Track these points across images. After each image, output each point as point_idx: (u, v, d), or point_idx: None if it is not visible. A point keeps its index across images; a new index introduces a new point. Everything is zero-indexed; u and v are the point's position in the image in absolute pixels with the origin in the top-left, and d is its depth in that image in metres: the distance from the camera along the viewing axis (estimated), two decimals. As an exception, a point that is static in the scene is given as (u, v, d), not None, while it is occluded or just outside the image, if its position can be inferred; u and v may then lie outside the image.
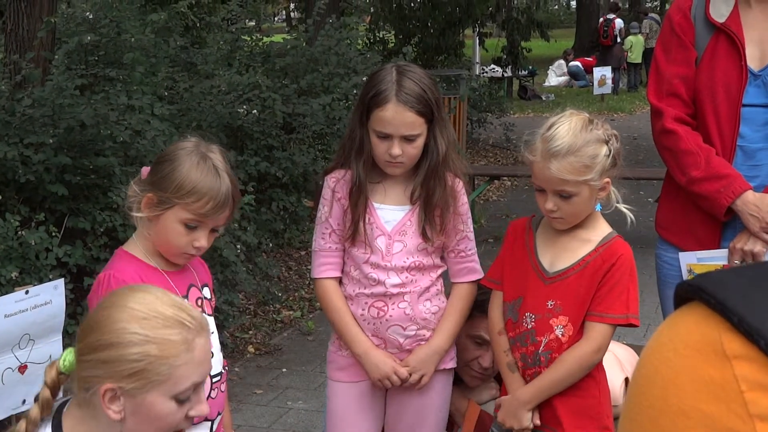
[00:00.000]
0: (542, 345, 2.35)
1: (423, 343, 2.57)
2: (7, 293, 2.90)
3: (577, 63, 20.75)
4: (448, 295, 2.65)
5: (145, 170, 2.31)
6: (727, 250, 2.66)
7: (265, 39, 9.02)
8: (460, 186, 2.58)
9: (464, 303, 2.63)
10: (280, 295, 6.10)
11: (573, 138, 2.26)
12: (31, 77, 5.03)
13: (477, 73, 14.84)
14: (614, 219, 2.43)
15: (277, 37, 9.56)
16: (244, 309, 5.92)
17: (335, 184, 2.55)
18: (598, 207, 2.41)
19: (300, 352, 5.37)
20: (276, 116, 6.60)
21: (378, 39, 13.08)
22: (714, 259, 2.68)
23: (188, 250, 2.25)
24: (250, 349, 5.41)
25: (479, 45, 15.82)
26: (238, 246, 5.15)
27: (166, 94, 6.59)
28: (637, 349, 3.36)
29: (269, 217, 6.35)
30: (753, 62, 2.63)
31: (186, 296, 2.31)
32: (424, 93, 2.44)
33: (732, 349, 0.62)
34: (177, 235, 2.22)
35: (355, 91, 6.99)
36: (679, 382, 0.63)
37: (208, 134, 5.76)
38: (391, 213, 2.54)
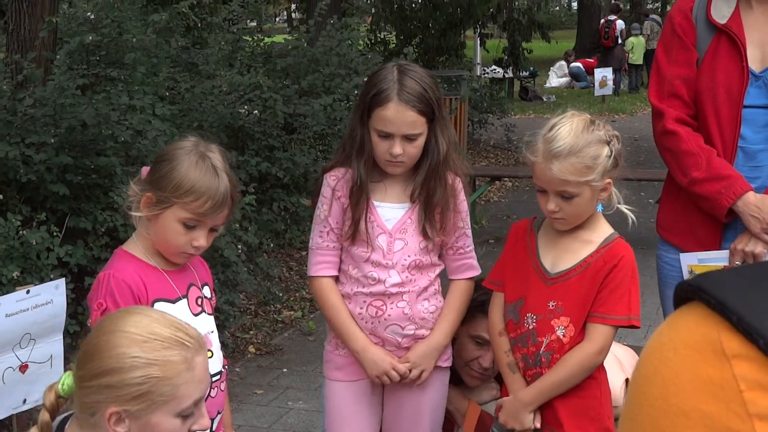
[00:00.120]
0: (543, 346, 2.35)
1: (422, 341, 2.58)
2: (8, 293, 2.90)
3: (578, 64, 20.75)
4: (445, 294, 2.65)
5: (145, 170, 2.31)
6: (728, 251, 2.66)
7: (267, 39, 9.03)
8: (459, 184, 2.58)
9: (462, 300, 2.63)
10: (281, 295, 6.10)
11: (574, 139, 2.26)
12: (32, 77, 5.03)
13: (478, 74, 14.84)
14: (615, 220, 2.43)
15: (279, 38, 9.57)
16: (245, 309, 5.92)
17: (336, 183, 2.55)
18: (599, 208, 2.41)
19: (301, 353, 5.37)
20: (277, 117, 6.60)
21: (379, 40, 13.08)
22: (715, 260, 2.67)
23: (187, 250, 2.25)
24: (251, 349, 5.41)
25: (480, 46, 15.82)
26: (239, 246, 5.15)
27: (167, 94, 6.60)
28: (638, 350, 3.36)
29: (270, 217, 6.35)
30: (754, 63, 2.63)
31: (186, 295, 2.31)
32: (426, 92, 2.44)
33: (731, 349, 0.62)
34: (176, 234, 2.22)
35: (356, 92, 7.00)
36: (678, 382, 0.63)
37: (209, 134, 5.78)
38: (391, 211, 2.54)
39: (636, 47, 19.32)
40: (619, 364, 3.05)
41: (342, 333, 2.56)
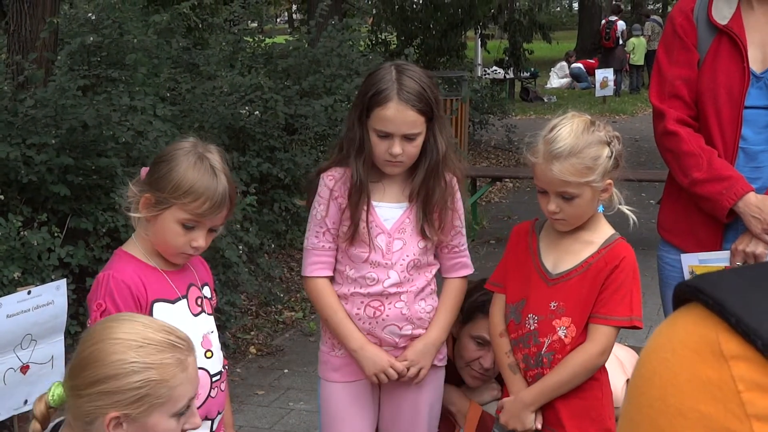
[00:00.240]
0: (545, 346, 2.35)
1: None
2: (9, 293, 2.90)
3: (579, 65, 20.75)
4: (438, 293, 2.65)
5: (144, 171, 2.32)
6: (729, 251, 2.66)
7: (268, 40, 9.03)
8: (455, 182, 2.58)
9: (457, 297, 2.63)
10: (281, 295, 6.10)
11: (575, 140, 2.26)
12: (33, 78, 5.03)
13: (479, 75, 14.86)
14: (616, 221, 2.43)
15: (280, 39, 9.58)
16: (246, 310, 5.92)
17: (334, 184, 2.54)
18: (600, 208, 2.41)
19: (302, 353, 5.37)
20: (278, 117, 6.60)
21: (380, 40, 13.08)
22: (716, 260, 2.67)
23: (186, 250, 2.25)
24: (252, 349, 5.41)
25: (481, 47, 15.82)
26: (240, 247, 5.15)
27: (168, 95, 6.60)
28: (640, 351, 3.35)
29: (271, 218, 6.35)
30: (755, 64, 2.63)
31: (185, 295, 2.31)
32: (424, 91, 2.44)
33: (729, 350, 0.62)
34: (174, 235, 2.22)
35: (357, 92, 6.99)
36: (677, 383, 0.64)
37: (210, 135, 5.79)
38: (390, 211, 2.54)
39: (637, 48, 19.32)
40: (621, 365, 3.05)
41: (339, 332, 2.55)
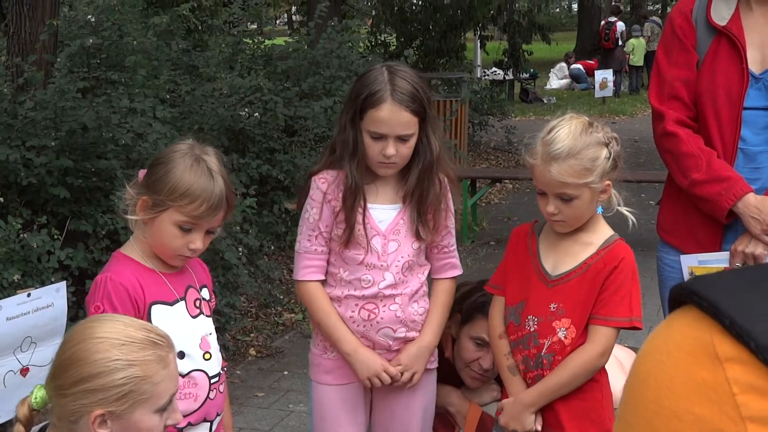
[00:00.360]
0: (545, 347, 2.35)
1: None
2: (8, 296, 2.90)
3: (579, 66, 20.76)
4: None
5: (143, 173, 2.32)
6: (728, 252, 2.66)
7: (267, 42, 9.03)
8: (446, 182, 2.58)
9: (447, 299, 2.63)
10: (281, 297, 6.10)
11: (573, 141, 2.26)
12: (33, 80, 5.03)
13: (478, 76, 14.86)
14: (616, 222, 2.43)
15: (279, 40, 9.58)
16: (246, 312, 5.92)
17: (327, 187, 2.52)
18: (599, 210, 2.41)
19: (301, 355, 5.36)
20: (277, 119, 6.60)
21: (379, 42, 13.08)
22: (715, 261, 2.68)
23: (184, 252, 2.25)
24: (252, 351, 5.41)
25: (481, 48, 15.82)
26: (240, 249, 5.15)
27: (167, 96, 6.60)
28: (639, 351, 3.35)
29: (271, 219, 6.35)
30: (754, 65, 2.63)
31: (183, 297, 2.31)
32: (417, 92, 2.44)
33: (724, 352, 0.62)
34: (172, 237, 2.22)
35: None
36: (672, 385, 0.64)
37: (209, 137, 5.79)
38: (384, 212, 2.53)
39: (636, 49, 19.32)
40: (621, 366, 3.05)
41: (332, 336, 2.54)
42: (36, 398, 1.84)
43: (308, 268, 2.56)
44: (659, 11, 29.04)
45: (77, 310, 4.21)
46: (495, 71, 16.79)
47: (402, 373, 2.54)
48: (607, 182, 2.32)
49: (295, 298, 6.35)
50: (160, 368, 1.79)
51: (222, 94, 6.69)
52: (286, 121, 6.72)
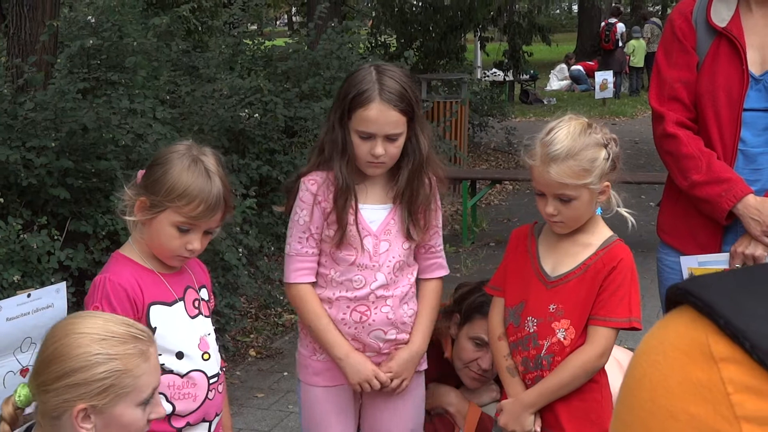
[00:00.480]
0: (544, 349, 2.36)
1: (400, 346, 2.57)
2: (9, 296, 2.90)
3: (579, 67, 20.76)
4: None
5: (141, 174, 2.32)
6: (728, 254, 2.66)
7: (267, 43, 9.04)
8: (435, 182, 2.58)
9: (435, 301, 2.63)
10: (281, 298, 6.10)
11: (572, 142, 2.27)
12: (33, 81, 5.04)
13: (478, 77, 14.85)
14: (615, 223, 2.43)
15: (279, 41, 9.58)
16: (246, 312, 5.92)
17: (317, 188, 2.51)
18: (598, 211, 2.41)
19: (301, 356, 5.36)
20: (278, 120, 6.61)
21: (380, 43, 13.08)
22: (715, 263, 2.68)
23: (182, 253, 2.25)
24: (252, 352, 5.41)
25: (481, 49, 15.82)
26: (240, 249, 5.15)
27: (167, 97, 6.60)
28: (639, 353, 3.35)
29: (271, 220, 6.35)
30: (754, 67, 2.64)
31: (182, 298, 2.31)
32: (406, 91, 2.43)
33: (719, 352, 0.63)
34: (170, 238, 2.22)
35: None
36: (667, 385, 0.64)
37: (209, 138, 5.79)
38: (374, 212, 2.53)
39: (637, 50, 19.32)
40: (620, 367, 3.05)
41: (323, 340, 2.53)
42: (20, 396, 1.86)
43: (299, 270, 2.54)
44: (659, 12, 29.04)
45: (77, 311, 4.21)
46: (495, 72, 16.79)
47: (392, 380, 2.54)
48: (606, 183, 2.32)
49: (295, 299, 6.35)
50: (141, 362, 1.81)
51: (222, 95, 6.69)
52: (286, 122, 6.73)
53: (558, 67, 21.31)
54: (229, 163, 6.00)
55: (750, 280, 0.67)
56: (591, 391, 2.38)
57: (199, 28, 9.93)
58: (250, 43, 8.61)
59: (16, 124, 4.70)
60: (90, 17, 7.32)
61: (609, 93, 16.23)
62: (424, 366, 2.67)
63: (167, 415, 2.24)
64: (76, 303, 4.15)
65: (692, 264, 2.71)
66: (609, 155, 2.30)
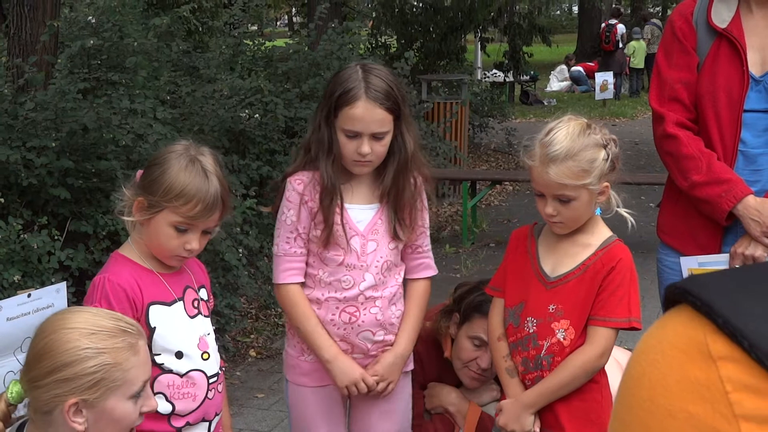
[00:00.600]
0: (544, 349, 2.36)
1: (387, 348, 2.56)
2: (9, 296, 2.91)
3: (579, 68, 20.76)
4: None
5: (140, 174, 2.32)
6: (728, 254, 2.66)
7: (268, 43, 9.04)
8: (420, 181, 2.57)
9: (423, 303, 2.62)
10: (281, 299, 6.09)
11: (571, 143, 2.27)
12: (33, 81, 5.04)
13: (479, 78, 14.85)
14: (615, 224, 2.43)
15: (280, 42, 9.58)
16: (246, 313, 5.92)
17: (303, 188, 2.50)
18: (598, 211, 2.41)
19: (301, 356, 5.36)
20: (278, 120, 6.61)
21: (380, 44, 13.09)
22: (715, 263, 2.68)
23: (180, 253, 2.26)
24: (252, 353, 5.41)
25: (481, 50, 15.82)
26: (240, 250, 5.15)
27: (168, 98, 6.61)
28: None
29: (271, 221, 6.34)
30: (754, 68, 2.64)
31: (182, 298, 2.31)
32: (392, 89, 2.43)
33: (717, 351, 0.63)
34: (168, 238, 2.23)
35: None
36: (666, 384, 0.64)
37: (210, 138, 5.80)
38: (362, 212, 2.52)
39: (637, 51, 19.33)
40: (620, 368, 3.06)
41: (311, 341, 2.51)
42: (12, 393, 1.86)
43: (288, 270, 2.53)
44: (660, 14, 29.04)
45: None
46: (495, 73, 16.78)
47: (378, 383, 2.53)
48: (606, 184, 2.32)
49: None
50: (130, 355, 1.82)
51: (222, 96, 6.70)
52: (286, 123, 6.73)
53: (558, 68, 21.31)
54: (230, 163, 6.00)
55: (748, 279, 0.68)
56: (591, 392, 2.38)
57: (200, 29, 9.94)
58: (251, 43, 8.61)
59: (16, 124, 4.71)
60: (90, 17, 7.33)
61: (609, 94, 16.24)
62: (411, 367, 2.67)
63: (167, 414, 2.24)
64: (77, 303, 4.15)
65: (692, 265, 2.71)
66: (608, 156, 2.30)
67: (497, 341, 2.46)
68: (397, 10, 13.21)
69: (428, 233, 2.64)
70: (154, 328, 2.23)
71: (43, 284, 3.81)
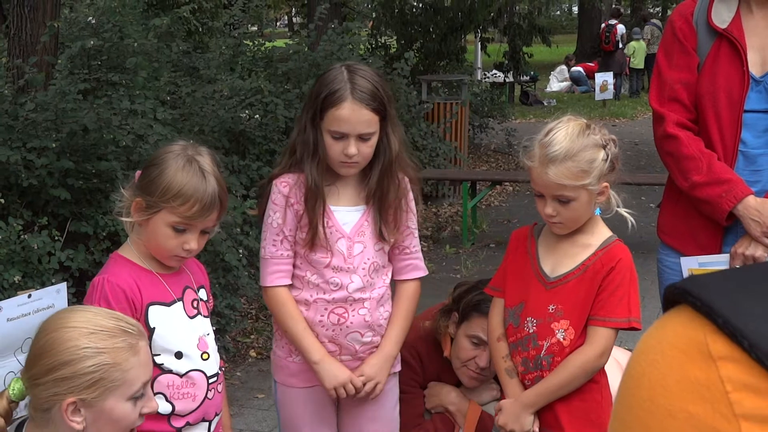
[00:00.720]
0: (544, 349, 2.36)
1: (375, 350, 2.56)
2: (9, 297, 2.91)
3: (579, 68, 20.76)
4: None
5: (138, 174, 2.32)
6: (728, 255, 2.66)
7: (268, 44, 9.05)
8: (407, 182, 2.57)
9: (410, 304, 2.61)
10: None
11: (570, 143, 2.27)
12: (34, 81, 5.04)
13: (479, 79, 14.85)
14: (615, 224, 2.44)
15: (280, 42, 9.59)
16: (246, 313, 5.92)
17: (288, 190, 2.49)
18: (597, 211, 2.42)
19: (301, 357, 5.36)
20: (278, 121, 6.61)
21: (380, 44, 13.08)
22: (716, 263, 2.68)
23: (179, 253, 2.26)
24: (252, 353, 5.41)
25: (481, 50, 15.82)
26: (240, 251, 5.15)
27: (168, 98, 6.61)
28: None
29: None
30: (755, 68, 2.64)
31: (181, 298, 2.32)
32: (377, 90, 2.42)
33: (717, 351, 0.63)
34: (166, 238, 2.23)
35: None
36: (666, 384, 0.64)
37: (210, 139, 5.80)
38: (348, 214, 2.51)
39: (637, 52, 19.33)
40: (620, 368, 3.06)
41: (299, 344, 2.51)
42: (13, 390, 1.87)
43: (275, 273, 2.52)
44: (659, 14, 29.03)
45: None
46: (495, 74, 16.78)
47: (365, 384, 2.53)
48: (605, 184, 2.32)
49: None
50: (129, 355, 1.82)
51: (222, 96, 6.70)
52: (286, 123, 6.73)
53: (558, 69, 21.31)
54: (230, 164, 6.00)
55: (748, 279, 0.68)
56: (591, 392, 2.38)
57: (200, 29, 9.94)
58: (251, 44, 8.62)
59: (16, 124, 4.71)
60: (91, 18, 7.33)
61: (609, 94, 16.23)
62: (398, 368, 2.67)
63: (167, 414, 2.24)
64: (77, 303, 4.15)
65: (692, 265, 2.71)
66: (607, 156, 2.30)
67: (497, 341, 2.47)
68: (397, 10, 13.21)
69: (416, 234, 2.63)
70: (154, 328, 2.23)
71: (43, 285, 3.81)
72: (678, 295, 0.67)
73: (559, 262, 2.40)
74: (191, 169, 2.21)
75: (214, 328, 2.45)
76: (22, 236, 4.14)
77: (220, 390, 2.37)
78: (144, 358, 1.86)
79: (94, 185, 4.77)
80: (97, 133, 4.77)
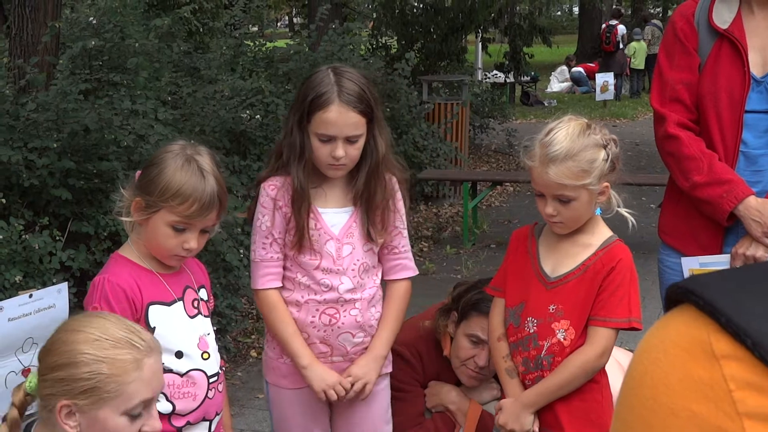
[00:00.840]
0: (544, 349, 2.36)
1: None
2: (10, 297, 2.91)
3: (580, 69, 20.76)
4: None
5: (138, 174, 2.33)
6: (729, 255, 2.67)
7: (268, 44, 9.05)
8: (395, 183, 2.57)
9: (400, 304, 2.61)
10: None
11: (570, 143, 2.27)
12: (35, 82, 5.04)
13: (479, 79, 14.85)
14: (616, 224, 2.44)
15: (280, 43, 9.59)
16: (247, 313, 5.92)
17: (276, 193, 2.50)
18: (598, 211, 2.42)
19: (302, 357, 5.36)
20: (279, 121, 6.61)
21: (381, 45, 13.09)
22: (716, 264, 2.68)
23: (178, 252, 2.26)
24: (253, 353, 5.41)
25: (482, 51, 15.82)
26: (241, 251, 5.15)
27: (169, 98, 6.61)
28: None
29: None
30: (756, 69, 2.64)
31: (181, 298, 2.32)
32: (364, 92, 2.42)
33: (720, 349, 0.63)
34: (166, 237, 2.23)
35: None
36: (668, 382, 0.64)
37: (211, 139, 5.80)
38: (336, 216, 2.52)
39: (638, 52, 19.33)
40: (621, 368, 3.06)
41: (288, 347, 2.52)
42: (30, 383, 1.87)
43: (266, 276, 2.53)
44: (660, 14, 29.04)
45: (79, 311, 4.22)
46: (496, 74, 16.78)
47: (353, 384, 2.53)
48: (605, 184, 2.32)
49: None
50: (131, 369, 1.79)
51: (223, 96, 6.70)
52: (287, 124, 6.72)
53: (559, 69, 21.31)
54: (231, 164, 6.00)
55: (750, 278, 0.68)
56: (591, 392, 2.38)
57: (201, 30, 9.94)
58: (252, 44, 8.62)
59: (18, 124, 4.71)
60: (92, 18, 7.34)
61: (610, 95, 16.24)
62: (389, 369, 2.67)
63: (167, 414, 2.25)
64: (78, 303, 4.16)
65: (693, 265, 2.71)
66: (608, 156, 2.30)
67: (497, 341, 2.47)
68: (397, 11, 13.21)
69: (405, 234, 2.63)
70: (154, 327, 2.23)
71: (44, 285, 3.81)
72: (681, 295, 0.67)
73: (560, 261, 2.40)
74: (190, 169, 2.22)
75: (215, 328, 2.45)
76: (24, 236, 4.14)
77: (220, 389, 2.38)
78: (148, 375, 1.83)
79: (95, 185, 4.77)
80: (98, 133, 4.77)
